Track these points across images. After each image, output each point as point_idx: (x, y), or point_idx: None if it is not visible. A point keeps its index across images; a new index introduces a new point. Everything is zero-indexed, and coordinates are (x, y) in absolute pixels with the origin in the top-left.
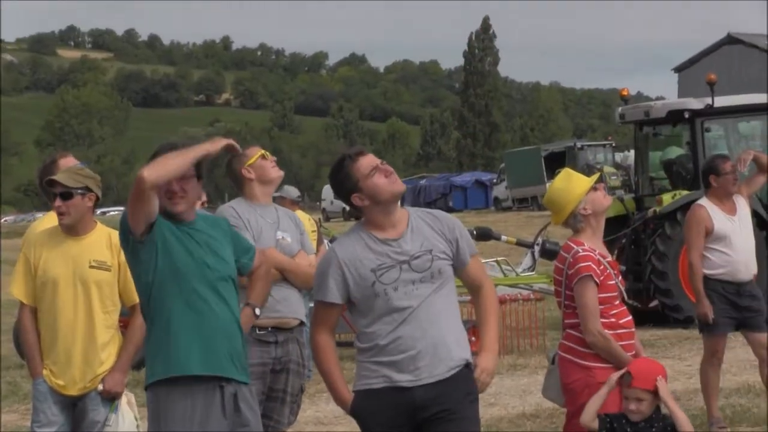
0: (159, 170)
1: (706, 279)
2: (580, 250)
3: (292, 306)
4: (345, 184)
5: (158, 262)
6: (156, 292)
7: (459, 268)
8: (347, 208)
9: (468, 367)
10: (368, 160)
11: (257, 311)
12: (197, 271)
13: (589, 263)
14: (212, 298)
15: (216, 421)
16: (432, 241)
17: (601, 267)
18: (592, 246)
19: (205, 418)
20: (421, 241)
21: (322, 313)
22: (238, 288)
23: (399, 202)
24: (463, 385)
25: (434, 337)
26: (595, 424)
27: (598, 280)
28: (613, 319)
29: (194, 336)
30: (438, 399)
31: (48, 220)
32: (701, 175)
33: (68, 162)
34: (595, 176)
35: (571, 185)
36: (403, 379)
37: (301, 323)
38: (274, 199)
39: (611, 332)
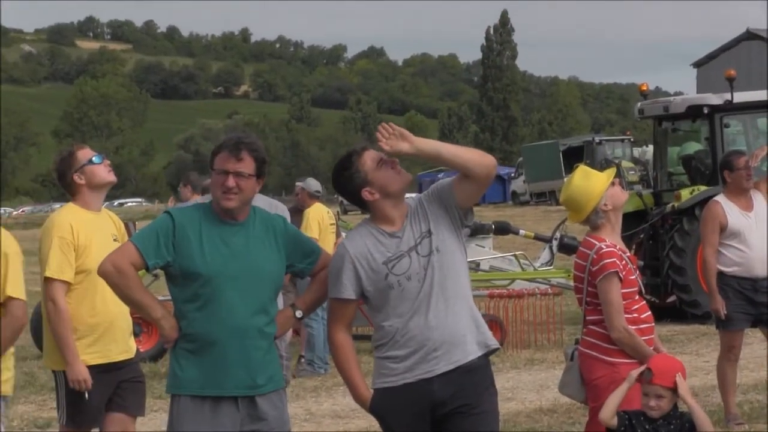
0: (117, 285)
1: (722, 275)
2: (604, 247)
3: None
4: (354, 180)
5: (182, 274)
6: (184, 301)
7: (461, 194)
8: None
9: (487, 355)
10: (373, 154)
11: (298, 314)
12: (222, 278)
13: (614, 259)
14: (238, 304)
15: (228, 419)
16: (430, 221)
17: (623, 262)
18: (612, 242)
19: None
20: (420, 225)
21: (337, 310)
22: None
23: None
24: (482, 376)
25: (451, 325)
26: (614, 421)
27: (622, 276)
28: (635, 314)
29: (212, 352)
30: (457, 393)
31: (66, 210)
32: (719, 170)
33: (85, 154)
34: (612, 171)
35: (590, 183)
36: (422, 369)
37: None
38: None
39: (634, 327)
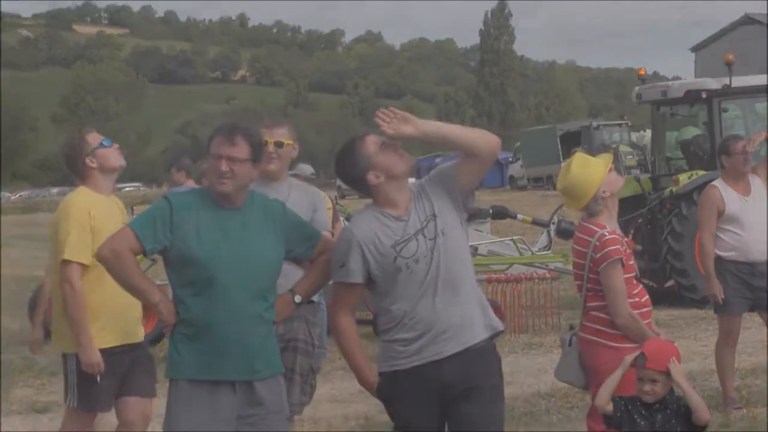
0: (115, 269)
1: (720, 259)
2: (606, 233)
3: (292, 283)
4: (359, 164)
5: (179, 259)
6: (182, 286)
7: (464, 175)
8: None
9: (493, 337)
10: (375, 138)
11: (297, 299)
12: (219, 263)
13: (617, 246)
14: (235, 289)
15: (226, 404)
16: (434, 205)
17: (623, 248)
18: (611, 227)
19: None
20: (424, 208)
21: (343, 294)
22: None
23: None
24: (490, 359)
25: (458, 307)
26: (610, 407)
27: (624, 262)
28: (636, 299)
29: (209, 335)
30: (465, 376)
31: (82, 193)
32: (716, 155)
33: (95, 138)
34: (609, 157)
35: (589, 170)
36: (432, 352)
37: (310, 301)
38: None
39: (636, 311)
